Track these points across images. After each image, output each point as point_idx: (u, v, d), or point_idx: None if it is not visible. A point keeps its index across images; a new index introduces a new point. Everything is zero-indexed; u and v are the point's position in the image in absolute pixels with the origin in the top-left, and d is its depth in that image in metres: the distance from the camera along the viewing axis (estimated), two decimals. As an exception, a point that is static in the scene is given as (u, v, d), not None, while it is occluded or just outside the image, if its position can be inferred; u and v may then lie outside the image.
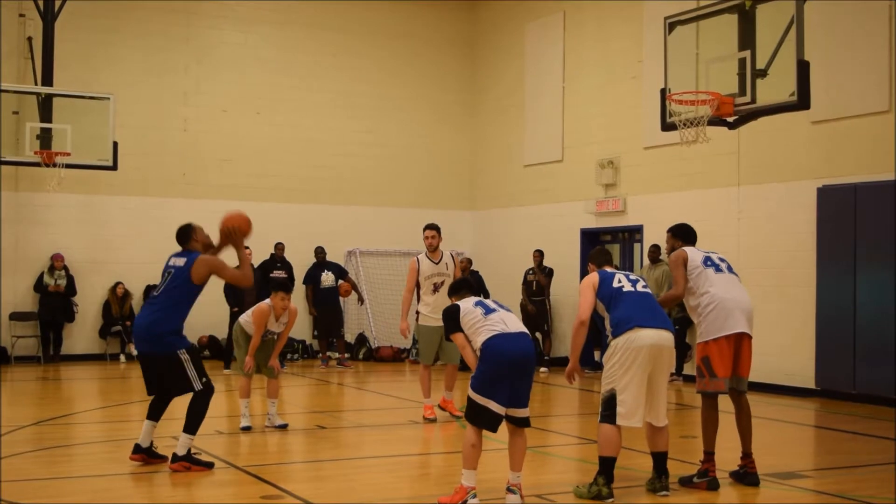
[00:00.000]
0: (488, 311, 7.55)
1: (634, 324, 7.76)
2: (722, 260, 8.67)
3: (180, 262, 8.85)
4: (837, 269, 13.96)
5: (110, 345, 18.96)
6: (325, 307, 19.00)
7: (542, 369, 17.84)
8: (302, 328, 20.06)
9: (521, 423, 7.46)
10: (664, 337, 7.82)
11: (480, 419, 7.31)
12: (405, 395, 14.72)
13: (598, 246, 10.11)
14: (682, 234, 8.82)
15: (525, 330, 7.58)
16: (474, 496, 7.26)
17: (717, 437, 8.38)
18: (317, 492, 8.02)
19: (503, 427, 7.43)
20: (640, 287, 8.07)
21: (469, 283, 8.23)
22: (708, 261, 8.54)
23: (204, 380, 8.75)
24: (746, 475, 8.36)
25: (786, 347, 14.80)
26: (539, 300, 18.33)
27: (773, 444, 10.56)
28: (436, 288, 12.04)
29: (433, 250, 12.24)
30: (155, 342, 8.69)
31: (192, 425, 8.73)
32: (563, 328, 18.82)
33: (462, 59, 22.44)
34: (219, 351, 18.73)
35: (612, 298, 7.94)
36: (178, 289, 8.75)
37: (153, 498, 8.12)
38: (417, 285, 12.17)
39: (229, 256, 9.22)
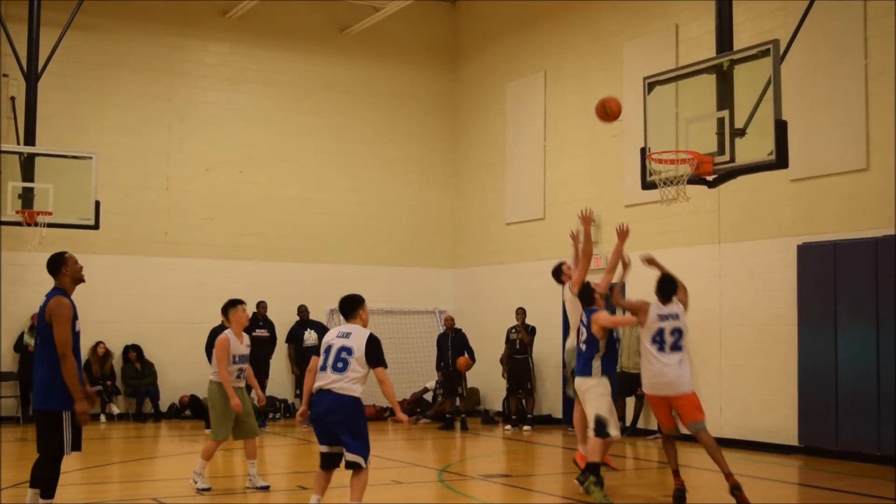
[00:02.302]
0: (322, 366, 8.40)
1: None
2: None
3: (43, 302, 8.20)
4: (818, 326, 14.01)
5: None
6: (308, 366, 18.87)
7: (526, 427, 17.77)
8: (284, 387, 19.97)
9: (350, 466, 8.37)
10: (577, 381, 10.67)
11: None
12: (388, 454, 14.62)
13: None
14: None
15: (330, 384, 8.32)
16: None
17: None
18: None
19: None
20: (580, 340, 10.71)
21: (343, 308, 8.65)
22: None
23: (72, 449, 8.14)
24: None
25: (768, 404, 14.81)
26: (522, 358, 18.30)
27: (756, 502, 10.52)
28: None
29: None
30: (43, 398, 8.05)
31: (51, 490, 8.14)
32: (545, 386, 18.80)
33: (444, 118, 22.61)
34: (200, 411, 18.59)
35: None
36: (45, 336, 8.09)
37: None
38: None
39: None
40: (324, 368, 8.34)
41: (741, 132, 11.17)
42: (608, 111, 11.33)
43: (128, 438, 16.57)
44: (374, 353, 8.31)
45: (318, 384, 8.34)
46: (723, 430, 15.35)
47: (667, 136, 11.80)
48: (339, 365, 8.26)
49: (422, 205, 22.23)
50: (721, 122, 11.33)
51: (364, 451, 8.30)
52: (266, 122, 20.94)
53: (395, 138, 22.11)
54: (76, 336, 8.22)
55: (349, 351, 8.27)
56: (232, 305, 11.10)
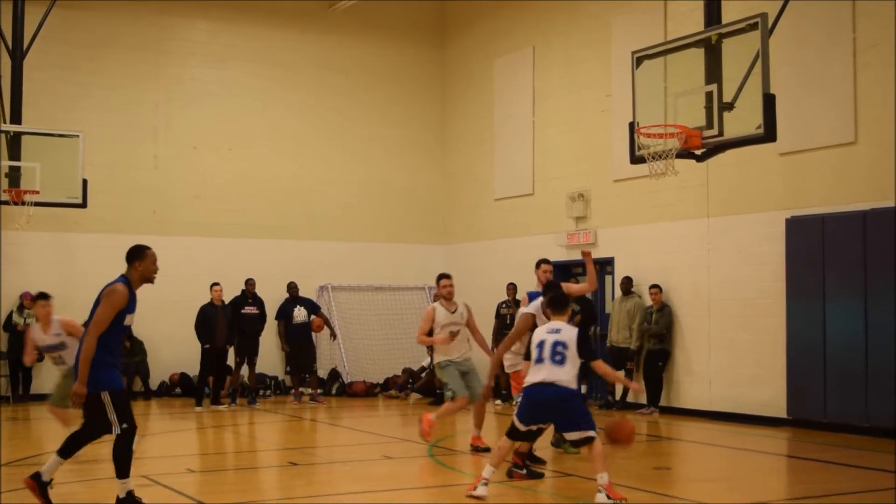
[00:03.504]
0: (538, 359, 8.73)
1: None
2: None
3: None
4: (807, 299, 14.05)
5: (80, 383, 18.76)
6: (298, 343, 18.89)
7: (515, 402, 17.80)
8: (274, 364, 19.97)
9: (582, 444, 8.76)
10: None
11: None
12: (378, 430, 14.68)
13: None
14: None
15: (553, 378, 8.60)
16: (485, 484, 8.68)
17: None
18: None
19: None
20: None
21: (553, 304, 9.21)
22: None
23: (125, 425, 8.02)
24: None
25: (757, 377, 14.87)
26: (512, 333, 18.27)
27: (746, 474, 10.59)
28: (452, 336, 12.17)
29: (450, 299, 12.48)
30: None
31: (122, 470, 8.11)
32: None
33: (432, 95, 22.54)
34: (190, 388, 18.60)
35: None
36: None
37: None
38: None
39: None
40: (540, 360, 8.73)
41: (729, 106, 11.18)
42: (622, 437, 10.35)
43: (118, 417, 16.55)
44: (587, 347, 8.79)
45: (535, 378, 8.70)
46: (712, 403, 15.43)
47: (655, 111, 11.81)
48: (558, 358, 8.65)
49: (411, 181, 22.19)
50: (709, 95, 11.34)
51: (587, 426, 8.59)
52: (253, 99, 20.86)
53: (384, 115, 22.04)
54: (122, 329, 8.20)
55: (564, 345, 8.69)
56: (32, 302, 11.60)
